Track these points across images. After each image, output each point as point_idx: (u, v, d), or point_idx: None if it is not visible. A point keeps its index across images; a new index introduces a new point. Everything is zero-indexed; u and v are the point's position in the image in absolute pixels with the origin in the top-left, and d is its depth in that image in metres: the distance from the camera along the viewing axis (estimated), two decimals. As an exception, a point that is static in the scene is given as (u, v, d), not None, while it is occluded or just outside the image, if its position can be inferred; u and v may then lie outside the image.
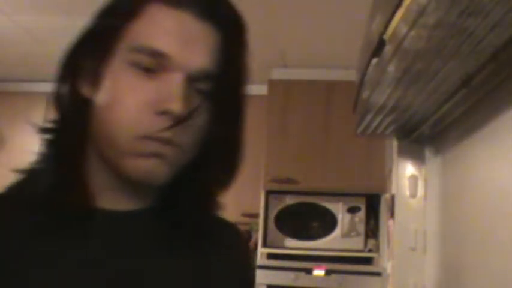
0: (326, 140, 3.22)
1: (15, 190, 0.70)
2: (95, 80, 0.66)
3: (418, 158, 1.93)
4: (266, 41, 2.99)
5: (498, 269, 1.19)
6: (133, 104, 0.63)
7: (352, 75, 3.29)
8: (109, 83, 0.65)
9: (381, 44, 1.10)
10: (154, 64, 0.63)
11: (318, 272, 3.03)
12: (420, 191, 1.92)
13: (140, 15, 0.65)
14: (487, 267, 1.25)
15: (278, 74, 3.40)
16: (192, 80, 0.64)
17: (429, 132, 1.79)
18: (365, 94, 1.38)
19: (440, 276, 1.68)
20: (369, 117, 1.58)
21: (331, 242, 3.16)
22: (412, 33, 0.99)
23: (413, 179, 1.93)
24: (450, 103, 1.39)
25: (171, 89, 0.62)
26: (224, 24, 0.68)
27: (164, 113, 0.62)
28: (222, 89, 0.66)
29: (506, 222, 1.16)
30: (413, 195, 1.94)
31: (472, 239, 1.40)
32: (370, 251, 3.12)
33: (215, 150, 0.68)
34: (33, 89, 3.93)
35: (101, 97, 0.65)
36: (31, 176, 0.69)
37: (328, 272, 3.02)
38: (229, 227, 0.80)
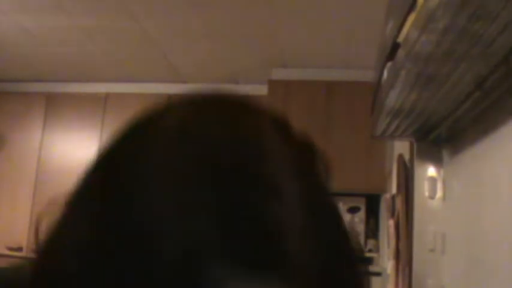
0: (326, 140, 3.22)
1: None
2: None
3: (436, 159, 1.95)
4: (266, 41, 2.99)
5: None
6: None
7: (352, 75, 3.30)
8: None
9: (395, 48, 1.11)
10: None
11: (318, 272, 3.02)
12: (438, 192, 1.93)
13: None
14: (506, 268, 1.26)
15: (278, 74, 3.40)
16: None
17: (446, 134, 1.80)
18: (382, 97, 1.39)
19: (459, 277, 1.69)
20: (386, 120, 1.59)
21: (331, 242, 3.16)
22: (423, 37, 1.00)
23: (432, 180, 1.93)
24: (465, 105, 1.40)
25: None
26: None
27: None
28: None
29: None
30: (431, 196, 1.94)
31: (490, 240, 1.40)
32: (370, 251, 3.12)
33: None
34: (33, 89, 3.93)
35: None
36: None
37: (328, 272, 3.01)
38: None
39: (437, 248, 1.88)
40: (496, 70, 1.15)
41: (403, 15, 0.99)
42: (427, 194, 1.92)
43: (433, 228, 1.90)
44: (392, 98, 1.33)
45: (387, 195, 2.73)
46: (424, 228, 1.91)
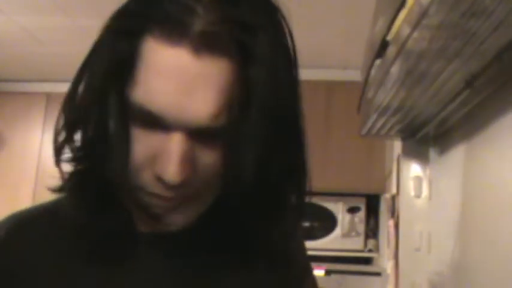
0: (326, 140, 3.22)
1: (48, 210, 0.67)
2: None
3: (422, 158, 1.93)
4: (266, 41, 2.99)
5: (503, 269, 1.19)
6: (133, 158, 0.58)
7: (352, 75, 3.30)
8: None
9: (384, 45, 1.10)
10: (150, 122, 0.56)
11: (318, 272, 3.03)
12: (425, 192, 1.92)
13: (136, 55, 0.57)
14: (493, 268, 1.25)
15: (278, 74, 3.40)
16: (195, 133, 0.56)
17: (434, 133, 1.79)
18: (369, 95, 1.38)
19: (445, 276, 1.68)
20: (373, 118, 1.58)
21: (331, 242, 3.16)
22: (415, 34, 0.99)
23: (418, 179, 1.92)
24: (454, 104, 1.39)
25: (167, 153, 0.56)
26: (240, 50, 0.57)
27: (160, 179, 0.57)
28: (239, 132, 0.57)
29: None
30: (417, 195, 1.93)
31: (477, 239, 1.40)
32: (370, 251, 3.13)
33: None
34: (33, 89, 3.93)
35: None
36: (64, 198, 0.65)
37: (328, 272, 3.02)
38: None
39: (423, 247, 1.87)
40: (488, 68, 1.14)
41: (394, 12, 0.98)
42: (413, 193, 1.92)
43: (419, 227, 1.90)
44: (380, 96, 1.32)
45: (387, 195, 2.73)
46: (410, 228, 1.91)
